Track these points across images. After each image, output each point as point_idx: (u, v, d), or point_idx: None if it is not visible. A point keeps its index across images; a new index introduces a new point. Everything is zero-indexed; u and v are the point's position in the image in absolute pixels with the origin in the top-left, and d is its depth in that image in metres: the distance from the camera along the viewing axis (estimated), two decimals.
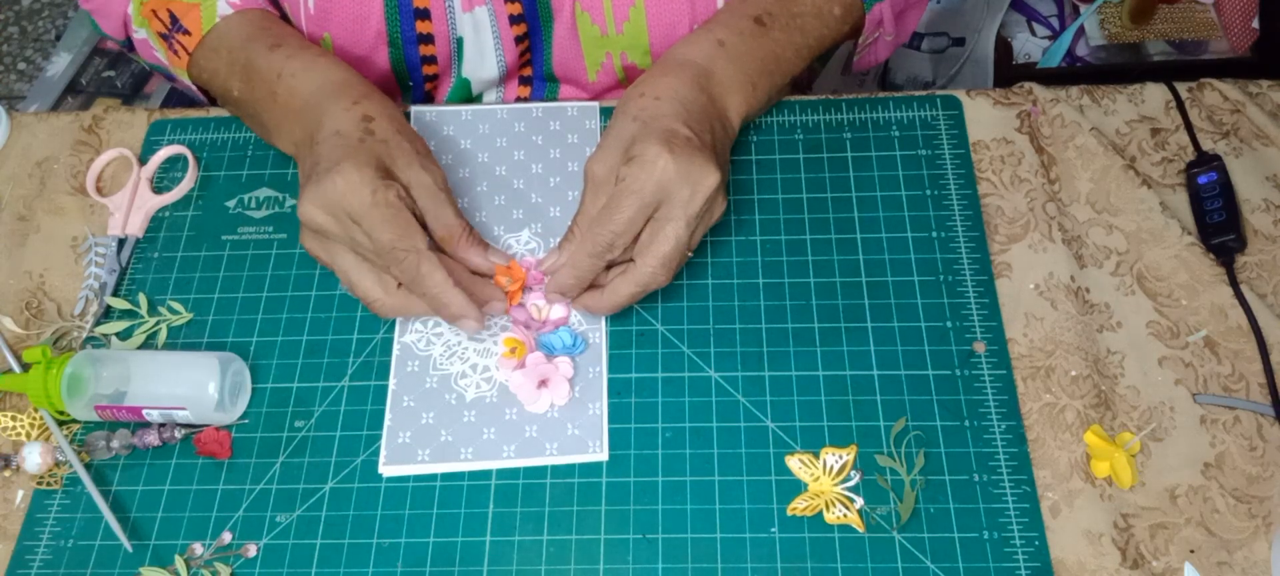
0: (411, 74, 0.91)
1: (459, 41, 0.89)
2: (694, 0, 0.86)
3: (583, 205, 0.76)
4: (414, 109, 0.89)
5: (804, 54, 0.84)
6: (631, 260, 0.74)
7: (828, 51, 0.89)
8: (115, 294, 0.82)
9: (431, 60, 0.90)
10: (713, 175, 0.72)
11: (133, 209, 0.86)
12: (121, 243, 0.85)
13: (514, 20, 0.88)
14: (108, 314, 0.82)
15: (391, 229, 0.70)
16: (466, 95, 0.94)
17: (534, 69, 0.93)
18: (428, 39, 0.88)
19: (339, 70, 0.80)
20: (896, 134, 0.86)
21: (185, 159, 0.88)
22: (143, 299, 0.82)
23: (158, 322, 0.81)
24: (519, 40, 0.89)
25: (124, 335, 0.80)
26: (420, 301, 0.74)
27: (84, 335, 0.81)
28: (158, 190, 0.87)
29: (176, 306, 0.81)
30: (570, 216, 0.83)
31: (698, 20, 0.86)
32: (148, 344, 0.80)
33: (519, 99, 0.95)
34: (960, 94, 0.88)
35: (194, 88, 0.88)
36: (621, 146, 0.74)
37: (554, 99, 0.95)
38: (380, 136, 0.75)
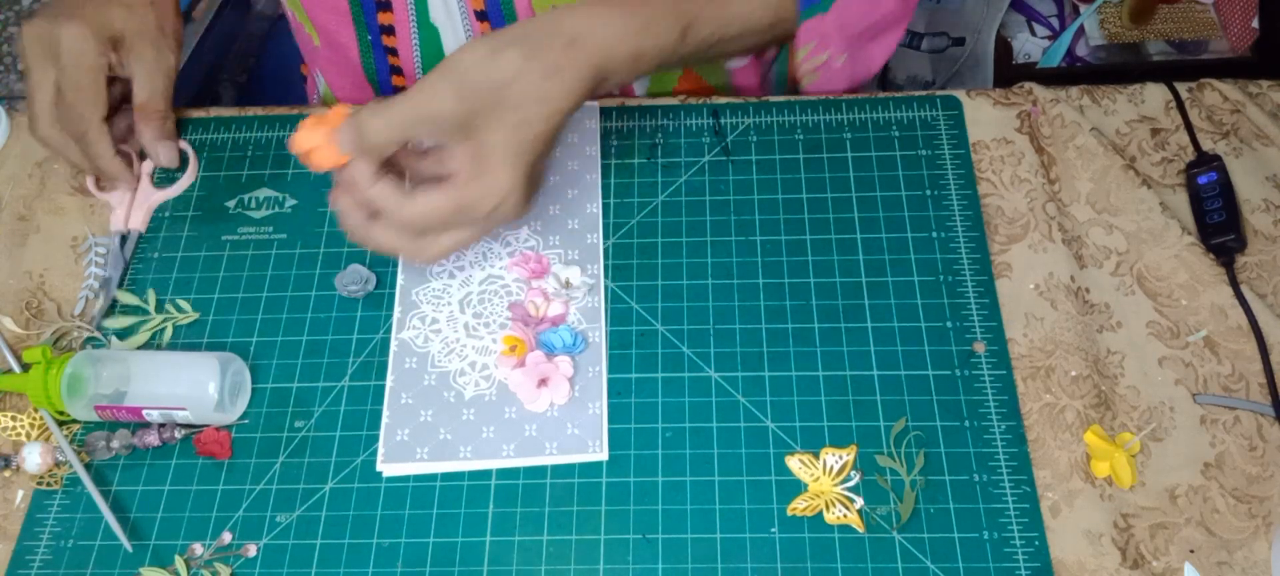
0: (366, 16, 0.90)
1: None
2: None
3: (425, 89, 0.70)
4: None
5: (704, 60, 0.83)
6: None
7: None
8: (121, 287, 0.82)
9: (386, 6, 0.89)
10: (526, 209, 0.74)
11: (134, 204, 0.86)
12: (124, 238, 0.85)
13: None
14: (113, 308, 0.82)
15: (78, 90, 0.81)
16: (437, 46, 0.92)
17: (492, 23, 0.91)
18: None
19: None
20: (896, 134, 0.86)
21: (185, 154, 0.89)
22: (151, 294, 0.82)
23: (164, 320, 0.81)
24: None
25: (129, 332, 0.80)
26: (74, 149, 0.83)
27: (86, 335, 0.81)
28: (158, 185, 0.87)
29: (184, 304, 0.81)
30: (570, 215, 0.83)
31: None
32: (153, 342, 0.80)
33: None
34: (960, 94, 0.88)
35: None
36: (490, 126, 0.70)
37: None
38: (128, 1, 0.84)
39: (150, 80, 0.84)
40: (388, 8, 0.89)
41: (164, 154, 0.86)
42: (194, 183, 0.88)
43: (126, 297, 0.82)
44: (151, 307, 0.81)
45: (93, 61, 0.81)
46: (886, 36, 0.90)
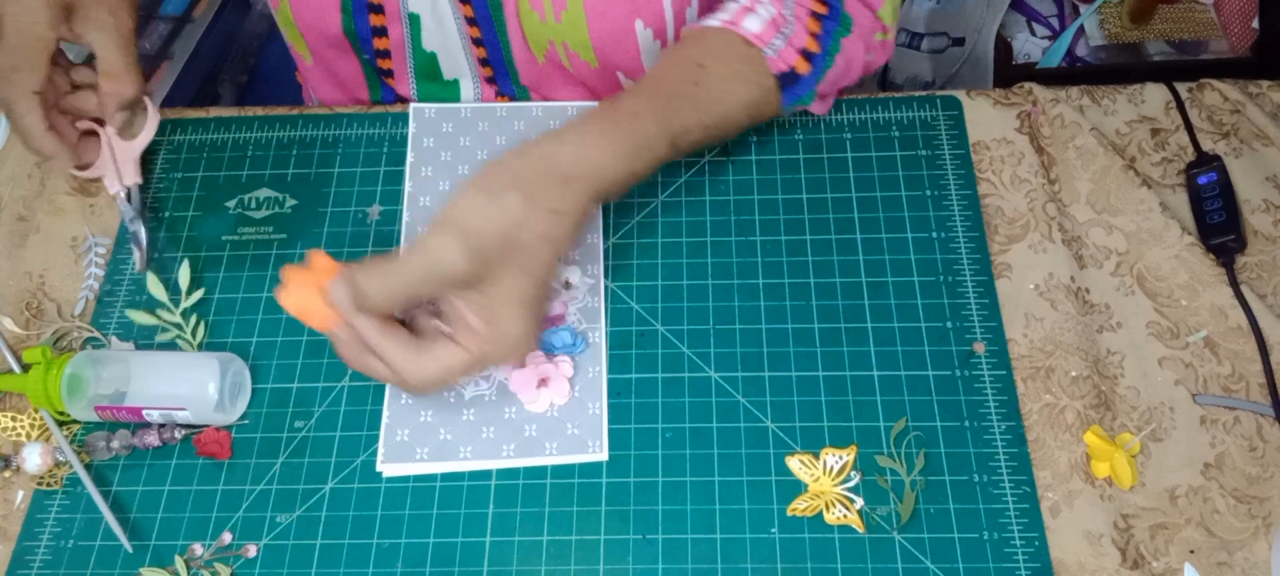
0: (363, 44, 0.90)
1: (414, 18, 0.88)
2: None
3: (430, 247, 0.66)
4: (413, 106, 0.89)
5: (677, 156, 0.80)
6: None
7: None
8: (151, 241, 0.85)
9: (382, 32, 0.89)
10: (534, 344, 0.71)
11: (118, 161, 0.85)
12: (129, 194, 0.85)
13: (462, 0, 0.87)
14: (139, 296, 0.83)
15: (17, 54, 0.78)
16: (434, 70, 0.93)
17: (489, 52, 0.91)
18: (377, 9, 0.87)
19: None
20: (897, 134, 0.86)
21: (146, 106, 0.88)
22: (185, 271, 0.82)
23: (177, 336, 0.80)
24: (470, 22, 0.88)
25: (145, 333, 0.80)
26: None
27: (86, 336, 0.80)
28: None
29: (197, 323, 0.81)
30: None
31: (636, 13, 0.84)
32: (165, 343, 0.80)
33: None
34: (960, 94, 0.88)
35: None
36: (499, 275, 0.67)
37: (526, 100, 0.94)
38: None
39: (113, 46, 0.81)
40: (383, 34, 0.89)
41: (138, 121, 0.85)
42: (157, 127, 0.87)
43: (156, 286, 0.82)
44: (177, 307, 0.82)
45: (41, 33, 0.78)
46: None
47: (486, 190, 0.67)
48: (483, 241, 0.65)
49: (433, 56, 0.91)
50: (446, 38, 0.89)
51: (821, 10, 0.82)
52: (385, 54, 0.90)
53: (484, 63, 0.91)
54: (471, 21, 0.87)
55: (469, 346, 0.67)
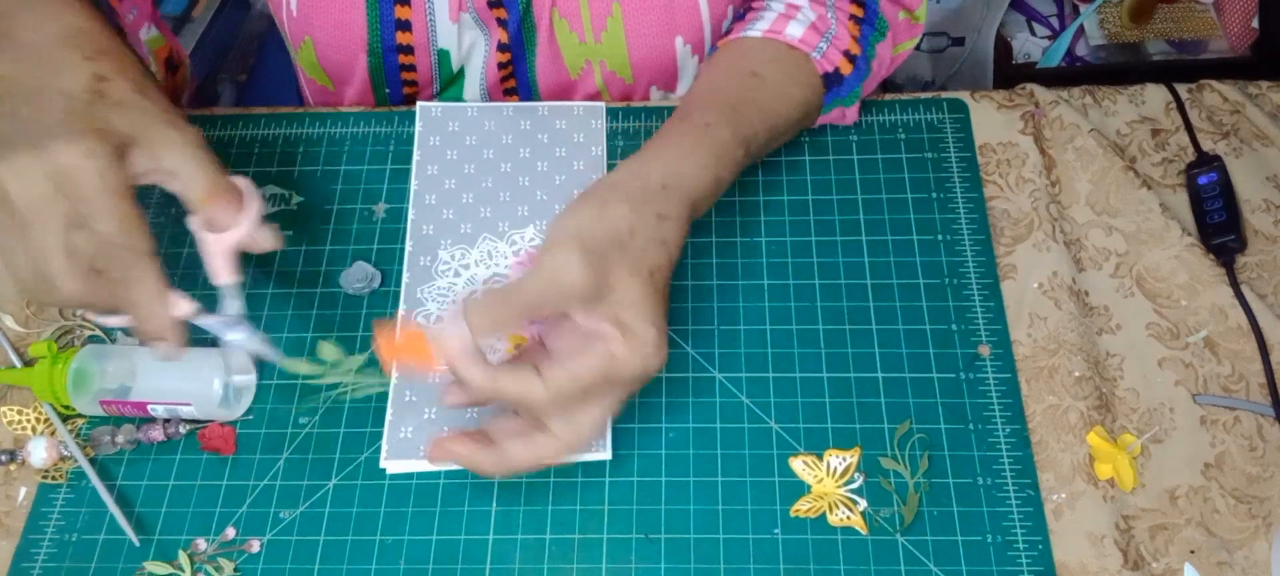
0: (390, 85, 0.91)
1: (442, 54, 0.89)
2: (672, 10, 0.85)
3: (546, 265, 0.64)
4: (419, 104, 0.89)
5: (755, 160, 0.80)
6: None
7: None
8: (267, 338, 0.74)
9: (411, 68, 0.89)
10: (659, 369, 0.66)
11: (207, 260, 0.73)
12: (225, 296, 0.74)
13: (500, 23, 0.87)
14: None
15: (118, 220, 0.61)
16: (458, 95, 0.94)
17: (518, 80, 0.92)
18: (407, 49, 0.88)
19: (73, 16, 0.67)
20: (902, 137, 0.86)
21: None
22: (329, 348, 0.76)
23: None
24: (502, 48, 0.89)
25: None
26: (109, 297, 0.63)
27: (88, 333, 0.81)
28: None
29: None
30: None
31: (676, 31, 0.86)
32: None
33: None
34: (966, 96, 0.88)
35: None
36: (618, 283, 0.64)
37: None
38: (115, 99, 0.64)
39: (196, 163, 0.65)
40: (412, 69, 0.90)
41: (263, 238, 0.69)
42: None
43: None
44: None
45: (116, 181, 0.61)
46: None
47: (594, 202, 0.67)
48: (599, 246, 0.64)
49: (459, 89, 0.92)
50: (472, 68, 0.90)
51: (858, 13, 0.83)
52: (411, 84, 0.91)
53: (510, 93, 0.93)
54: (503, 47, 0.88)
55: (602, 353, 0.63)
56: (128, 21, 0.95)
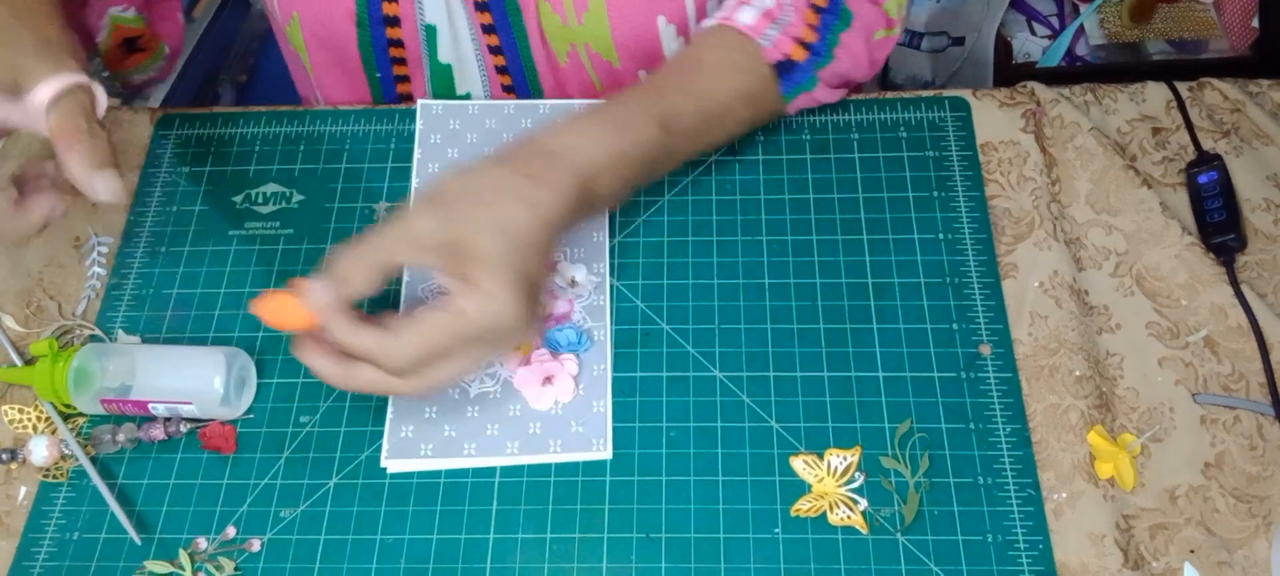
0: (379, 59, 0.90)
1: (430, 29, 0.88)
2: None
3: (401, 212, 0.66)
4: (421, 102, 0.89)
5: (689, 156, 0.80)
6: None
7: None
8: None
9: (398, 44, 0.89)
10: (529, 331, 0.67)
11: None
12: None
13: (479, 7, 0.87)
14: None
15: None
16: (449, 83, 0.93)
17: (513, 77, 0.92)
18: (395, 22, 0.87)
19: None
20: (904, 135, 0.86)
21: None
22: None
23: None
24: (486, 30, 0.88)
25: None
26: None
27: (88, 333, 0.81)
28: None
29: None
30: None
31: (658, 9, 0.85)
32: None
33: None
34: (967, 95, 0.88)
35: None
36: (472, 237, 0.65)
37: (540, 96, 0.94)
38: None
39: (57, 99, 0.67)
40: (400, 44, 0.89)
41: (102, 185, 0.68)
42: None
43: None
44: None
45: None
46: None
47: (470, 164, 0.68)
48: (455, 201, 0.65)
49: (448, 69, 0.91)
50: (462, 49, 0.89)
51: (821, 3, 0.82)
52: (400, 61, 0.91)
53: (501, 71, 0.91)
54: (489, 28, 0.87)
55: (445, 312, 0.64)
56: None
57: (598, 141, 0.71)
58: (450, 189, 0.66)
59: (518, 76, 0.92)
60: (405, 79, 0.92)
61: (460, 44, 0.89)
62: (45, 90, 0.67)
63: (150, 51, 0.98)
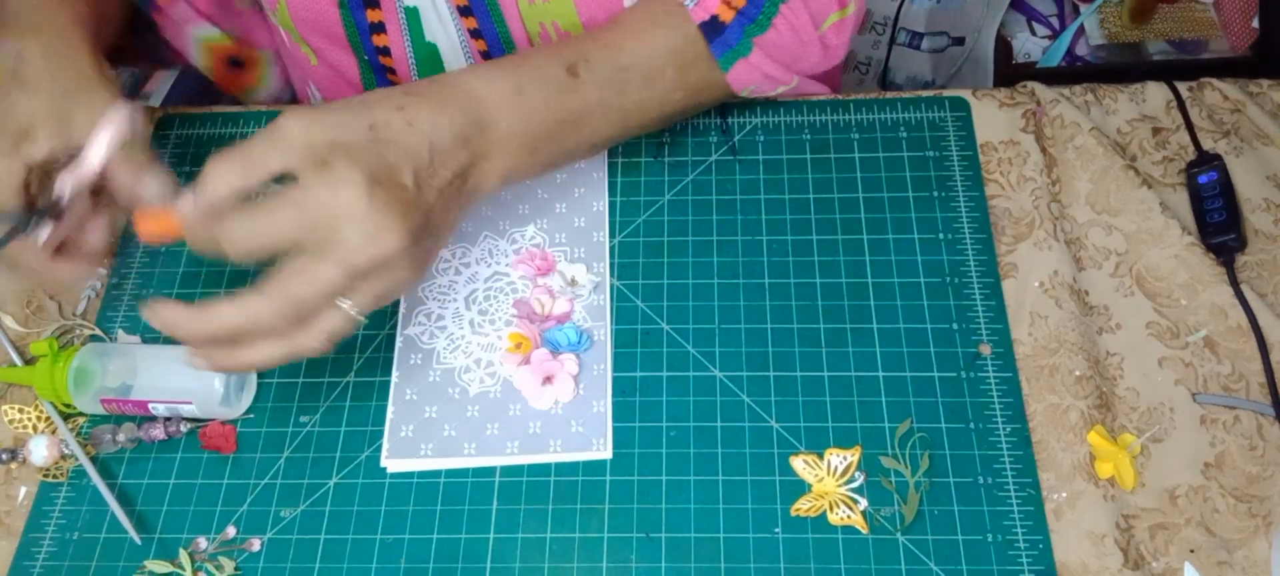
0: (363, 41, 0.90)
1: (412, 12, 0.87)
2: None
3: (259, 141, 0.63)
4: None
5: (618, 119, 0.77)
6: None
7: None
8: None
9: (380, 28, 0.88)
10: (397, 239, 0.62)
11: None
12: None
13: None
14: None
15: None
16: (437, 65, 0.92)
17: (488, 43, 0.90)
18: (373, 4, 0.86)
19: None
20: (904, 135, 0.86)
21: None
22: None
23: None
24: (463, 12, 0.87)
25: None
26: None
27: (88, 333, 0.81)
28: None
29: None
30: (576, 212, 0.83)
31: None
32: None
33: None
34: (967, 95, 0.88)
35: None
36: (338, 135, 0.63)
37: None
38: (27, 78, 0.70)
39: (106, 135, 0.70)
40: (382, 30, 0.89)
41: (150, 185, 0.70)
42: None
43: None
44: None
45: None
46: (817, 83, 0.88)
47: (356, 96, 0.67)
48: (327, 107, 0.65)
49: (434, 50, 0.91)
50: (445, 30, 0.89)
51: None
52: (385, 50, 0.90)
53: (485, 56, 0.91)
54: (465, 11, 0.87)
55: (288, 202, 0.61)
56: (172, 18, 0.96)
57: (495, 73, 0.71)
58: (332, 108, 0.65)
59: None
60: (387, 53, 0.91)
61: (444, 24, 0.88)
62: (96, 130, 0.70)
63: (256, 65, 0.98)
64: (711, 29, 0.78)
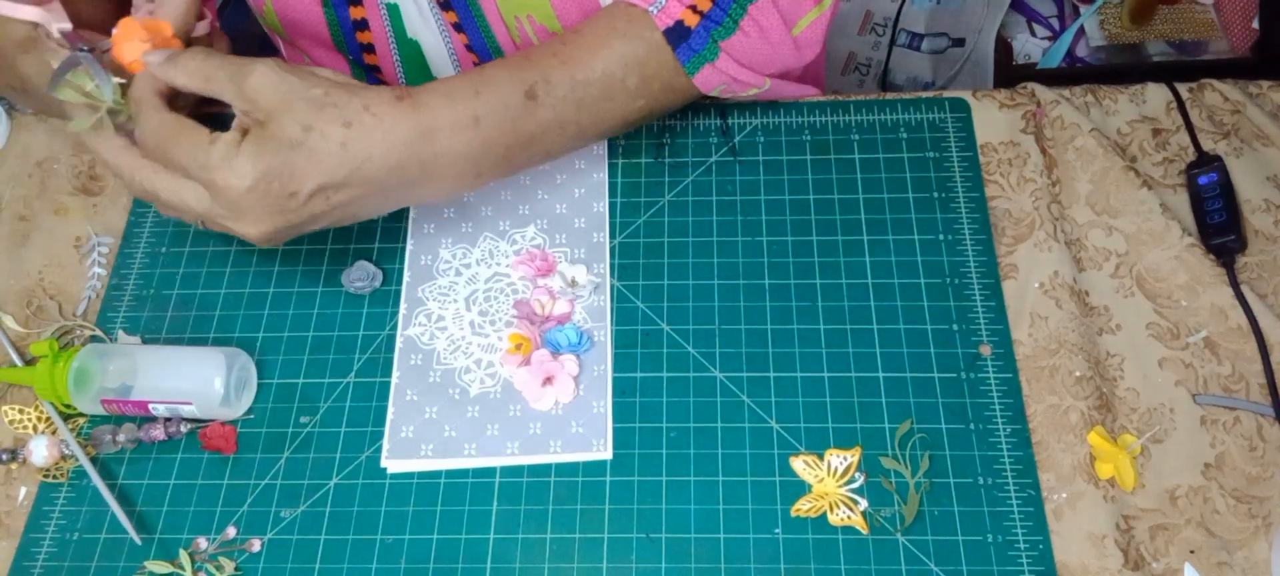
0: (347, 39, 0.90)
1: (392, 8, 0.87)
2: None
3: (228, 71, 0.69)
4: None
5: (574, 133, 0.77)
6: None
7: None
8: None
9: (363, 26, 0.88)
10: (254, 229, 0.68)
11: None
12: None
13: None
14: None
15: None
16: (420, 61, 0.92)
17: (470, 38, 0.90)
18: (356, 1, 0.87)
19: None
20: (904, 136, 0.86)
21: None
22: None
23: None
24: (444, 6, 0.87)
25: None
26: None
27: (89, 333, 0.81)
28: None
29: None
30: (577, 213, 0.83)
31: None
32: None
33: None
34: (968, 95, 0.88)
35: None
36: (278, 116, 0.67)
37: None
38: None
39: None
40: (365, 27, 0.89)
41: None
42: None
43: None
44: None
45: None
46: (797, 87, 0.88)
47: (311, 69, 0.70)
48: (282, 86, 0.67)
49: (417, 47, 0.90)
50: (427, 26, 0.88)
51: None
52: (370, 48, 0.90)
53: (469, 49, 0.90)
54: (445, 5, 0.87)
55: (202, 140, 0.67)
56: None
57: (454, 98, 0.71)
58: (309, 76, 0.69)
59: (483, 55, 0.90)
60: (371, 50, 0.91)
61: (426, 20, 0.88)
62: None
63: None
64: (676, 35, 0.77)
